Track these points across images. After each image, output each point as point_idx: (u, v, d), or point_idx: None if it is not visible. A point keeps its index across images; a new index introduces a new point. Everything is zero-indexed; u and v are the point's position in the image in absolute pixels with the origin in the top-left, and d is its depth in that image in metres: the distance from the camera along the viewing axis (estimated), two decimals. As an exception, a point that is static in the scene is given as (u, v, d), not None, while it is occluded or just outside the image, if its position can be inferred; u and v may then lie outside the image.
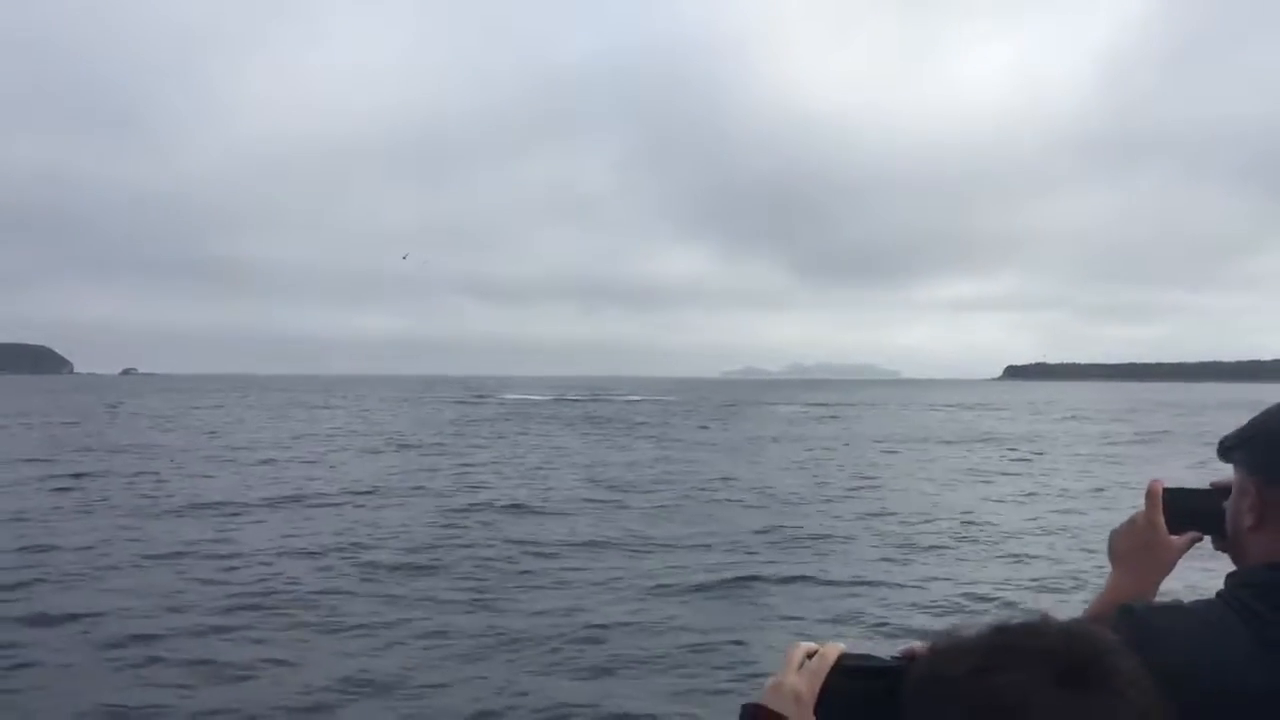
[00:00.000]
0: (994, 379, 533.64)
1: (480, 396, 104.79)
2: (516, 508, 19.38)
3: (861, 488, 23.45)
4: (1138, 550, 1.78)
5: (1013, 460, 32.03)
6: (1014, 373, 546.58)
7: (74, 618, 10.58)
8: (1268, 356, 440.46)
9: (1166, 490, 1.78)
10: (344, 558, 14.07)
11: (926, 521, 18.10)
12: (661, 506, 19.89)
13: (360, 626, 10.36)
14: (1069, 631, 1.12)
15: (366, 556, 14.12)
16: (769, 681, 1.32)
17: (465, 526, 17.05)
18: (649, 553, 14.77)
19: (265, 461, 28.84)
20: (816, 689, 1.28)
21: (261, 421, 53.01)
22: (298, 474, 25.38)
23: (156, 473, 25.09)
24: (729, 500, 20.96)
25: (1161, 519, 1.76)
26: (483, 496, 20.97)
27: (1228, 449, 1.65)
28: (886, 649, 1.32)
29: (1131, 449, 36.54)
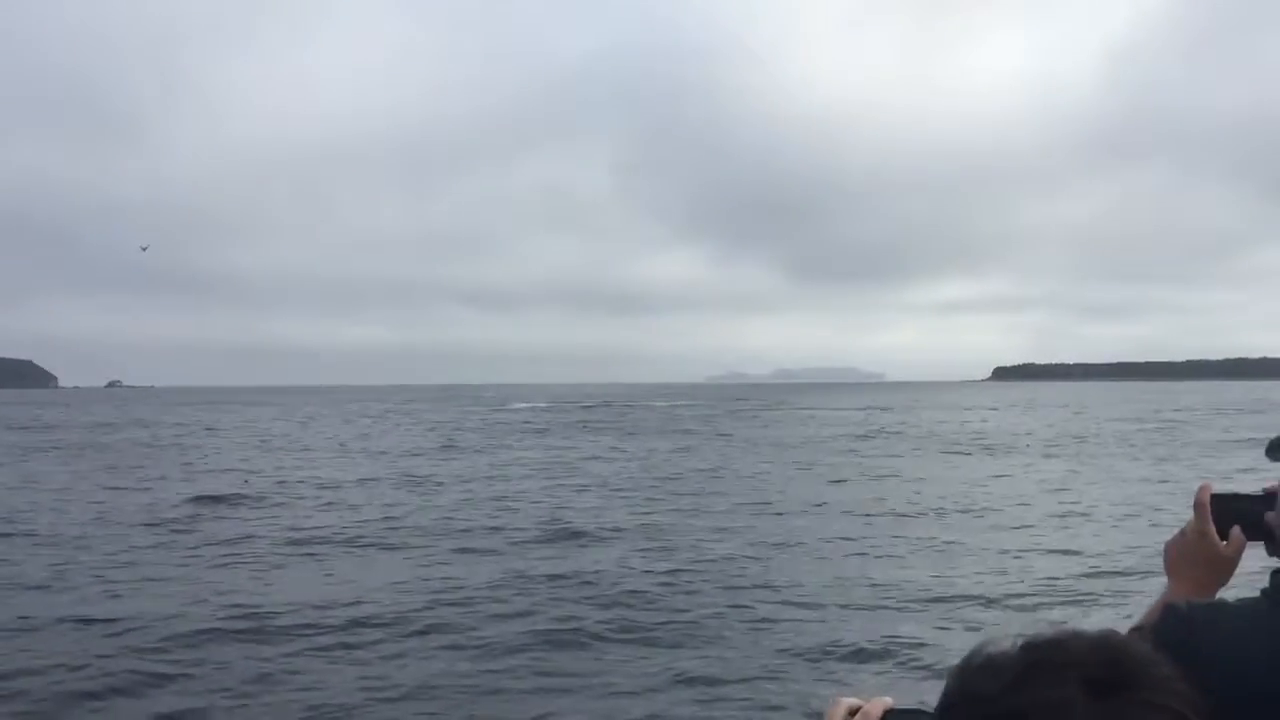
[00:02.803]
0: (982, 380, 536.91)
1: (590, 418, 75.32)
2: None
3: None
4: (1191, 562, 1.74)
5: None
6: (1002, 374, 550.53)
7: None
8: (1255, 354, 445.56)
9: (1215, 496, 1.73)
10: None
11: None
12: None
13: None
14: (1099, 643, 1.10)
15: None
16: None
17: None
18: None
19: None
20: None
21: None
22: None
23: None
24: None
25: (1211, 528, 1.71)
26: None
27: (1276, 448, 1.66)
28: (934, 698, 1.20)
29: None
